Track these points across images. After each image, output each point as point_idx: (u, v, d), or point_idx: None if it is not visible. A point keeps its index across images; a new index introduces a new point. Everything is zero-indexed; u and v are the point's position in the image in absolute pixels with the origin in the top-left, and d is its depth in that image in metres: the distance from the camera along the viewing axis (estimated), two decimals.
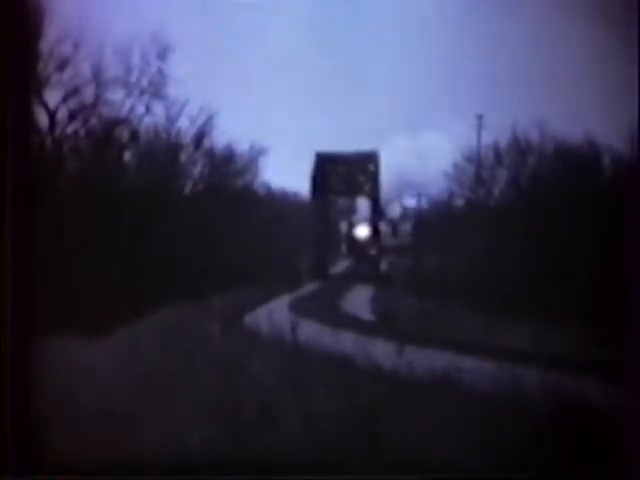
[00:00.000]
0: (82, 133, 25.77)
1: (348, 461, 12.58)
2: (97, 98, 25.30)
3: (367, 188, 29.02)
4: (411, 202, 29.06)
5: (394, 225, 29.80)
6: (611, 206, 18.66)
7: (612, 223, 17.19)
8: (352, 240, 29.76)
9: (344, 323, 23.97)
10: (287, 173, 27.78)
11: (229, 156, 28.31)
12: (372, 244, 29.27)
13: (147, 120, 26.27)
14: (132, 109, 25.77)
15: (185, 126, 26.85)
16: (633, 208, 13.66)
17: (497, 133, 26.38)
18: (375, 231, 29.20)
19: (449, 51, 23.75)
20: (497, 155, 27.24)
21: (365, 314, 27.25)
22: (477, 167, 27.66)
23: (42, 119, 23.90)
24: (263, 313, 23.99)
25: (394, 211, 29.70)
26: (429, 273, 28.46)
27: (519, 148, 26.84)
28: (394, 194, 29.23)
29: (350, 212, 29.86)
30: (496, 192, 27.83)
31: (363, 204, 29.44)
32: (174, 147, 27.41)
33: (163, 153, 27.50)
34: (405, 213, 29.70)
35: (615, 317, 13.85)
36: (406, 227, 29.85)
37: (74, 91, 24.93)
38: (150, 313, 22.66)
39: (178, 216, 26.18)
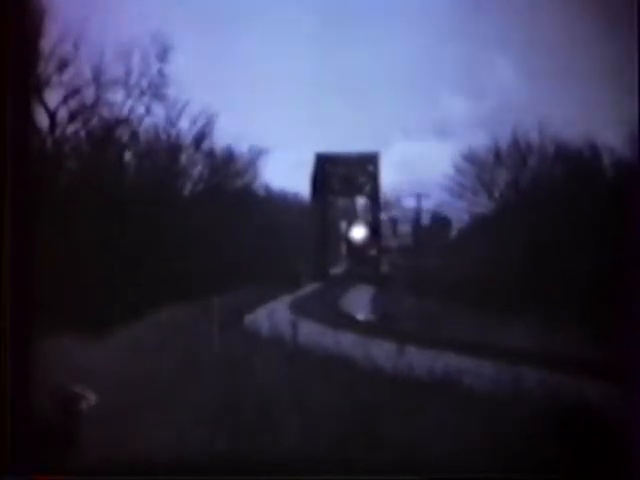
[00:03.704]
0: (82, 134, 25.77)
1: (348, 461, 12.59)
2: (97, 99, 25.29)
3: (367, 189, 29.02)
4: (411, 203, 29.05)
5: (394, 225, 29.79)
6: (611, 206, 18.64)
7: (612, 223, 17.19)
8: (351, 241, 29.77)
9: (344, 323, 24.00)
10: (287, 174, 27.78)
11: (229, 157, 28.30)
12: (372, 245, 29.26)
13: (147, 121, 26.25)
14: (132, 110, 25.76)
15: (185, 127, 26.83)
16: (633, 208, 13.66)
17: (497, 134, 26.38)
18: (375, 232, 29.19)
19: (449, 52, 23.75)
20: (497, 156, 27.23)
21: (365, 314, 27.27)
22: (477, 168, 27.66)
23: (42, 119, 23.89)
24: (263, 313, 24.03)
25: (394, 212, 29.70)
26: (429, 273, 28.46)
27: (519, 149, 26.85)
28: (394, 195, 29.23)
29: (350, 213, 29.86)
30: (496, 193, 27.84)
31: (363, 205, 29.44)
32: (174, 148, 27.40)
33: (163, 154, 27.49)
34: (405, 214, 29.70)
35: (615, 317, 13.85)
36: (406, 227, 29.84)
37: (74, 92, 24.93)
38: (150, 313, 22.67)
39: (178, 216, 26.17)
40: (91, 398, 12.62)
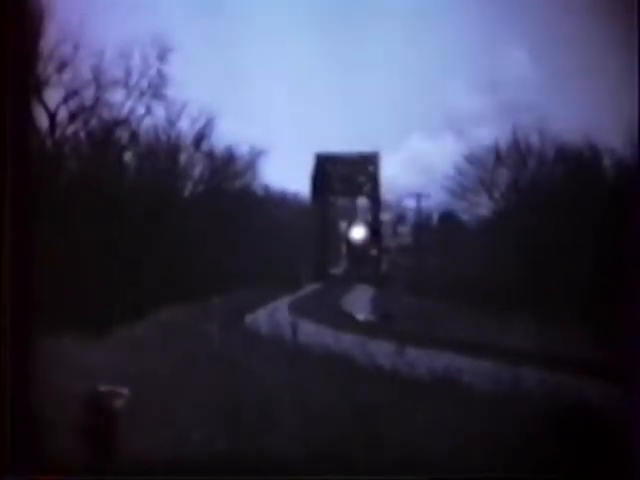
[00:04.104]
0: (82, 134, 25.80)
1: (348, 461, 12.59)
2: (97, 99, 25.32)
3: (367, 189, 29.04)
4: (411, 203, 29.08)
5: (394, 225, 29.81)
6: (611, 207, 18.66)
7: (612, 224, 17.20)
8: (351, 241, 29.80)
9: (344, 323, 24.01)
10: (287, 174, 27.81)
11: (229, 157, 28.32)
12: (372, 245, 29.28)
13: (147, 121, 26.29)
14: (132, 110, 25.79)
15: (185, 127, 26.87)
16: (633, 208, 13.67)
17: (498, 135, 26.41)
18: (375, 232, 29.21)
19: (449, 52, 23.79)
20: (498, 156, 27.25)
21: (365, 314, 27.28)
22: (477, 169, 27.68)
23: (42, 120, 23.92)
24: (264, 314, 24.04)
25: (394, 212, 29.73)
26: (429, 273, 28.48)
27: (519, 150, 26.87)
28: (394, 195, 29.26)
29: (350, 213, 29.88)
30: (496, 193, 27.85)
31: (363, 205, 29.47)
32: (174, 148, 27.42)
33: (163, 154, 27.51)
34: (405, 214, 29.73)
35: (615, 317, 13.86)
36: (406, 228, 29.87)
37: (74, 92, 24.96)
38: (150, 313, 22.68)
39: (178, 217, 26.19)
40: (124, 394, 12.50)
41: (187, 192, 28.03)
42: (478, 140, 26.55)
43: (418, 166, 28.05)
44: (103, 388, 12.52)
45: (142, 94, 25.60)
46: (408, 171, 28.38)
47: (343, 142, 26.07)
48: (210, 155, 27.92)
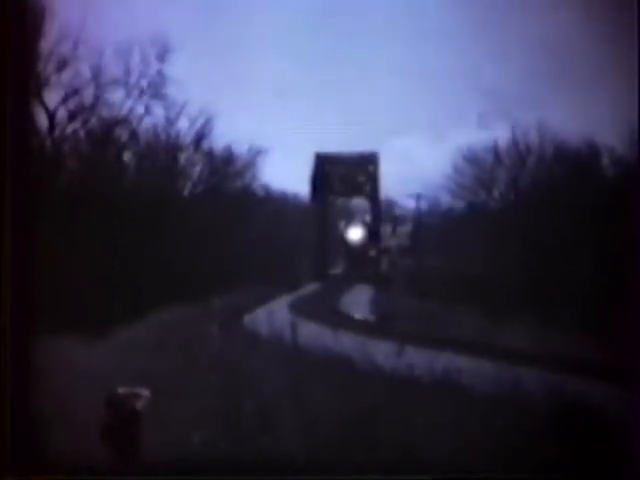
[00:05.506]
0: (81, 134, 25.76)
1: (348, 461, 12.60)
2: (96, 99, 25.28)
3: (367, 189, 29.01)
4: (411, 203, 29.06)
5: (393, 225, 29.80)
6: (611, 207, 18.66)
7: (612, 224, 17.21)
8: (349, 241, 29.77)
9: (344, 323, 23.98)
10: (286, 174, 27.75)
11: (228, 157, 28.27)
12: (371, 245, 29.26)
13: (146, 121, 26.24)
14: (131, 110, 25.76)
15: (185, 127, 26.82)
16: (633, 208, 13.67)
17: (496, 134, 26.38)
18: (375, 232, 29.20)
19: (448, 52, 23.75)
20: (496, 156, 27.23)
21: (365, 314, 27.25)
22: (476, 168, 27.66)
23: (41, 119, 23.89)
24: (263, 314, 24.00)
25: (393, 212, 29.70)
26: (429, 273, 28.46)
27: (519, 149, 26.85)
28: (394, 195, 29.24)
29: (350, 213, 29.88)
30: (496, 193, 27.84)
31: (362, 205, 29.44)
32: (173, 148, 27.40)
33: (162, 154, 27.49)
34: (405, 214, 29.71)
35: (615, 317, 13.87)
36: (406, 228, 29.85)
37: (74, 92, 24.92)
38: (150, 313, 22.67)
39: (177, 217, 26.18)
40: (145, 395, 12.40)
41: (187, 191, 28.02)
42: (476, 139, 26.53)
43: (417, 166, 28.04)
44: (122, 390, 12.42)
45: (142, 93, 25.59)
46: (408, 170, 28.37)
47: (343, 142, 26.05)
48: (210, 154, 27.89)
